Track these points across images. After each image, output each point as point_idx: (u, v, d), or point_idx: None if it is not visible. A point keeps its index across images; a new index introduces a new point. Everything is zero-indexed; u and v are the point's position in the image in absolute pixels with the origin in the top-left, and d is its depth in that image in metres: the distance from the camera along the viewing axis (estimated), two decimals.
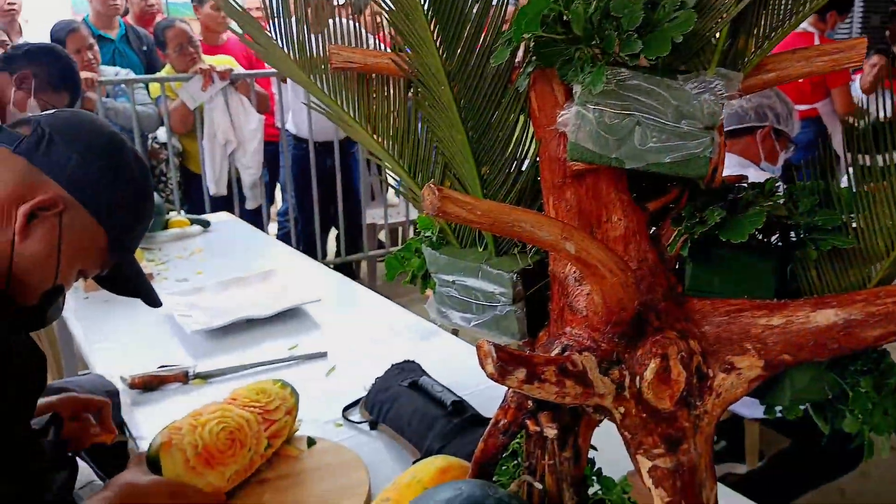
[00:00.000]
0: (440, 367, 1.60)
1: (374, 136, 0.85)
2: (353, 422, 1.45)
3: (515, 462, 1.03)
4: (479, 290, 0.82)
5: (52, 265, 0.97)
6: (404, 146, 0.85)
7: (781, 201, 0.74)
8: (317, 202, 4.19)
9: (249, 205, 4.02)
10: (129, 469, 1.09)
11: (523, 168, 0.81)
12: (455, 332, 2.19)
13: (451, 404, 1.31)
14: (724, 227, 0.69)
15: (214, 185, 3.81)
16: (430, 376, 1.46)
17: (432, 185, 0.58)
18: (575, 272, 0.75)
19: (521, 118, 0.78)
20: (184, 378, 1.60)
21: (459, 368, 1.64)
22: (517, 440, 0.95)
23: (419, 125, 0.85)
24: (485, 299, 0.82)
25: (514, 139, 0.79)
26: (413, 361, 1.56)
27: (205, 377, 1.62)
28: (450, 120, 0.77)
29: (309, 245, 4.21)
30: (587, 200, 0.75)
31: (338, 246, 4.58)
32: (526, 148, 0.80)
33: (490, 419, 1.32)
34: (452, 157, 0.81)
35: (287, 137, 4.14)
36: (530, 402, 0.82)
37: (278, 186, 4.68)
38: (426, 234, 0.90)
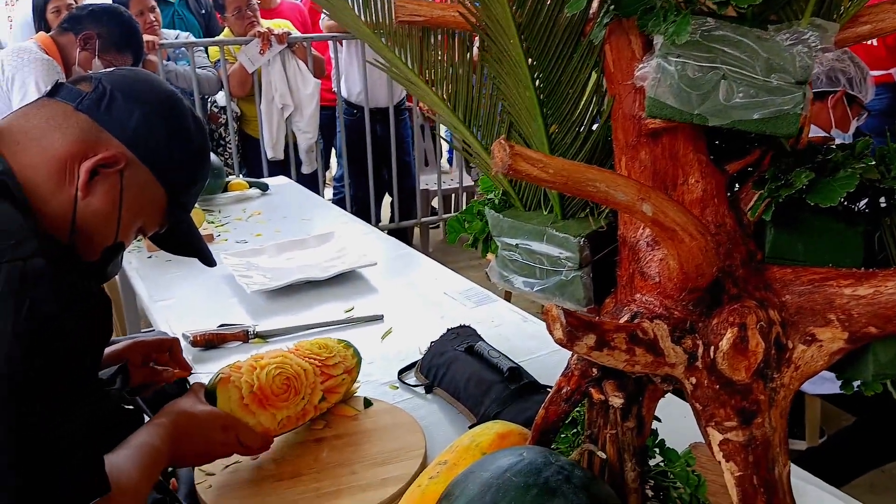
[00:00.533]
0: (494, 333, 1.59)
1: (438, 94, 0.83)
2: (409, 385, 1.45)
3: (575, 430, 1.02)
4: (544, 254, 0.80)
5: (113, 222, 0.98)
6: (468, 104, 0.82)
7: (873, 163, 0.69)
8: (371, 168, 4.20)
9: (305, 169, 4.05)
10: (187, 397, 1.11)
11: (593, 128, 0.77)
12: (508, 298, 2.16)
13: (507, 370, 1.30)
14: (811, 191, 0.65)
15: (272, 149, 3.84)
16: (485, 342, 1.45)
17: (503, 142, 0.55)
18: (647, 236, 0.72)
19: (594, 74, 0.74)
20: (244, 337, 1.62)
21: (514, 335, 1.63)
22: (578, 409, 0.93)
23: (485, 82, 0.82)
24: (549, 264, 0.80)
25: (586, 96, 0.75)
26: (469, 326, 1.55)
27: (264, 337, 1.64)
28: (518, 76, 0.74)
29: (363, 211, 4.23)
30: (662, 161, 0.71)
31: (391, 212, 4.59)
32: (597, 106, 0.76)
33: (546, 387, 1.31)
34: (519, 115, 0.78)
35: (342, 104, 4.14)
36: (595, 370, 0.80)
37: (333, 152, 4.71)
38: (489, 197, 0.87)
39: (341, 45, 4.00)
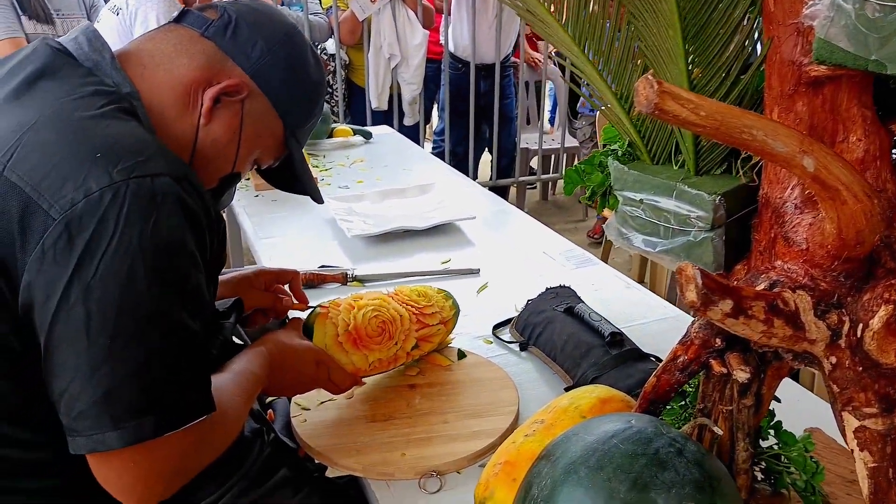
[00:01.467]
0: (595, 297, 1.54)
1: (568, 33, 0.77)
2: (503, 340, 1.43)
3: (683, 403, 0.96)
4: (672, 212, 0.74)
5: (232, 150, 0.98)
6: (600, 45, 0.76)
7: None
8: (472, 124, 4.15)
9: (407, 121, 4.04)
10: (285, 330, 1.13)
11: (741, 76, 0.70)
12: (604, 260, 2.08)
13: (609, 335, 1.25)
14: None
15: (376, 98, 3.85)
16: (586, 304, 1.40)
17: (651, 77, 0.50)
18: (796, 198, 0.65)
19: (750, 14, 0.67)
20: (342, 279, 1.63)
21: (615, 300, 1.57)
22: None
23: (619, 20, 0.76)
24: (677, 223, 0.74)
25: (738, 38, 0.68)
26: (568, 287, 1.50)
27: (362, 280, 1.65)
28: (661, 12, 0.67)
29: (460, 166, 4.20)
30: (822, 114, 0.64)
31: (490, 170, 4.54)
32: (749, 49, 0.69)
33: (650, 356, 1.25)
34: (657, 58, 0.72)
35: (447, 58, 4.09)
36: (718, 341, 0.74)
37: (435, 106, 4.68)
38: (612, 148, 0.82)
39: None
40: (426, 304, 1.27)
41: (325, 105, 2.88)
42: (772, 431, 0.91)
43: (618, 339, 1.25)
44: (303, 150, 1.10)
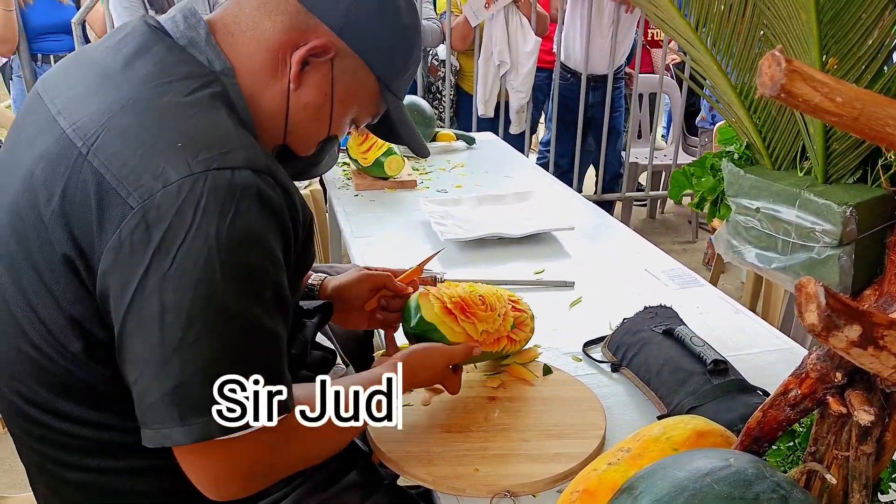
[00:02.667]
0: (699, 321, 1.42)
1: (684, 18, 0.69)
2: (594, 359, 1.34)
3: (791, 444, 0.85)
4: (793, 223, 0.65)
5: (326, 113, 0.94)
6: (720, 31, 0.68)
7: None
8: (579, 136, 4.05)
9: (513, 129, 3.98)
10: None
11: (886, 67, 0.61)
12: (713, 283, 1.93)
13: (712, 362, 1.14)
14: None
15: (483, 105, 3.82)
16: (687, 327, 1.29)
17: (778, 53, 0.42)
18: None
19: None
20: (432, 282, 1.59)
21: (721, 326, 1.45)
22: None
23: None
24: (798, 236, 0.65)
25: (882, 24, 0.58)
26: (670, 308, 1.39)
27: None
28: None
29: (565, 178, 4.10)
30: None
31: (595, 183, 4.41)
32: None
33: (757, 389, 1.14)
34: (786, 44, 0.63)
35: (559, 67, 4.00)
36: (839, 375, 0.64)
37: (543, 117, 4.60)
38: (728, 150, 0.73)
39: (566, 2, 3.86)
40: (510, 296, 1.25)
41: (431, 109, 2.88)
42: (894, 485, 0.79)
43: (721, 367, 1.14)
44: (402, 104, 1.04)
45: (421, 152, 1.10)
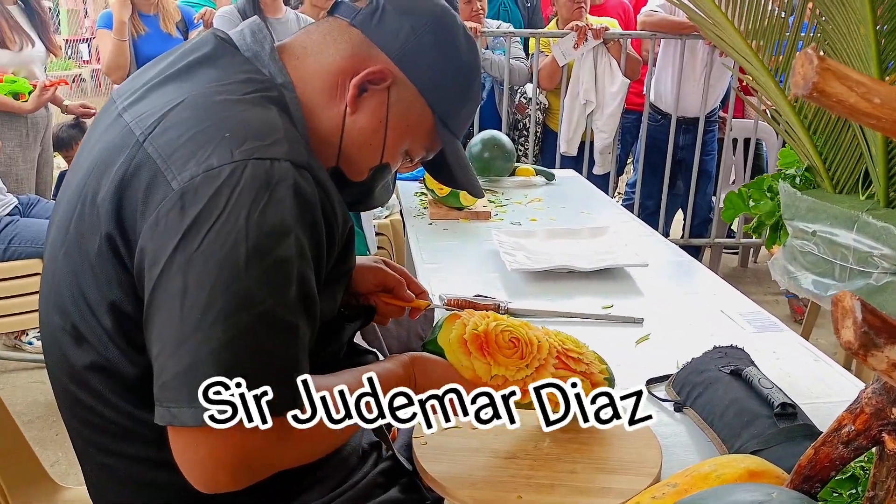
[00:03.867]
0: (772, 365, 1.35)
1: (739, 33, 0.67)
2: (657, 397, 1.29)
3: (853, 491, 0.79)
4: (851, 248, 0.61)
5: (380, 140, 0.96)
6: (779, 48, 0.66)
7: None
8: (667, 179, 3.97)
9: (597, 170, 3.95)
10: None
11: None
12: (807, 336, 1.83)
13: (780, 405, 1.08)
14: None
15: (566, 143, 3.81)
16: (758, 368, 1.23)
17: (811, 51, 0.40)
18: None
19: None
20: (495, 309, 1.58)
21: (797, 372, 1.37)
22: (862, 461, 0.72)
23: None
24: (856, 262, 0.61)
25: None
26: (741, 349, 1.33)
27: (514, 314, 1.58)
28: (853, 6, 0.56)
29: (651, 220, 4.01)
30: None
31: (682, 228, 4.30)
32: None
33: None
34: (847, 61, 0.60)
35: (647, 108, 3.96)
36: (895, 411, 0.59)
37: (630, 159, 4.53)
38: (787, 172, 0.69)
39: (658, 44, 3.83)
40: (574, 349, 1.13)
41: (511, 144, 2.89)
42: None
43: (790, 411, 1.08)
44: (459, 143, 1.05)
45: (476, 194, 1.11)
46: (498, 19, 3.97)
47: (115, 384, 0.87)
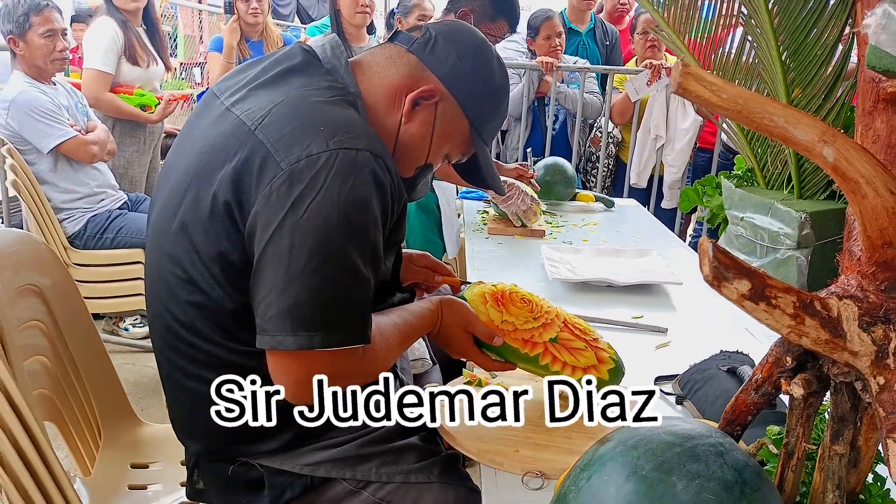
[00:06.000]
0: None
1: (691, 55, 0.83)
2: (662, 391, 1.42)
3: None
4: (766, 229, 0.76)
5: (426, 145, 1.19)
6: (725, 64, 0.81)
7: None
8: None
9: (666, 204, 4.03)
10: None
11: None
12: None
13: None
14: None
15: (636, 175, 3.93)
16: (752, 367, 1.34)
17: (680, 60, 0.57)
18: None
19: (842, 35, 0.68)
20: None
21: None
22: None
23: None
24: (769, 241, 0.76)
25: (835, 61, 0.69)
26: (746, 354, 1.44)
27: None
28: (764, 31, 0.71)
29: None
30: None
31: None
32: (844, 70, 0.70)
33: None
34: (770, 80, 0.75)
35: (720, 147, 4.02)
36: (788, 359, 0.73)
37: None
38: (734, 173, 0.85)
39: None
40: (582, 326, 1.32)
41: (573, 170, 3.05)
42: (880, 500, 0.83)
43: (773, 402, 1.19)
44: (486, 149, 1.27)
45: (499, 191, 1.35)
46: (576, 55, 4.15)
47: (212, 318, 1.10)
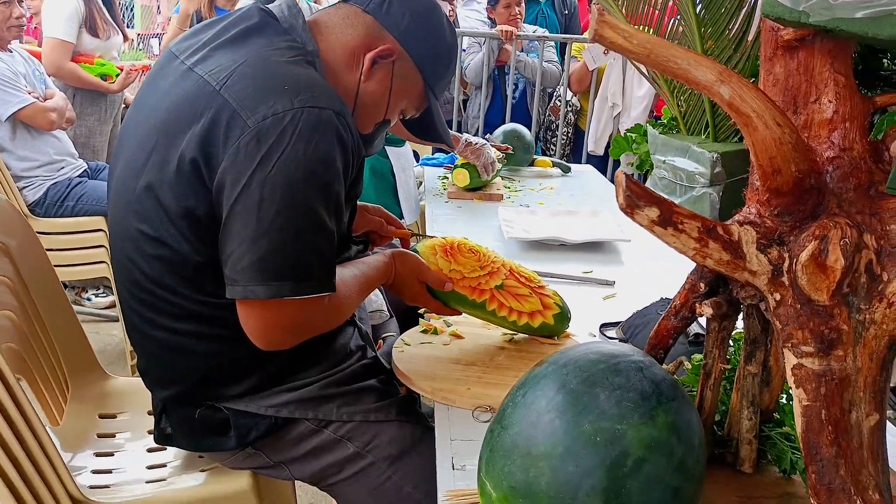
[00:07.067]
0: None
1: (620, 11, 0.90)
2: (607, 336, 1.51)
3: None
4: (684, 170, 0.83)
5: (384, 102, 1.25)
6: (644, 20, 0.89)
7: None
8: None
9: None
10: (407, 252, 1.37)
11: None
12: None
13: (693, 335, 1.29)
14: None
15: (594, 143, 4.02)
16: None
17: (595, 7, 0.64)
18: None
19: None
20: None
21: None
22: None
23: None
24: (687, 180, 0.83)
25: (743, 12, 0.77)
26: None
27: None
28: (692, 30, 0.79)
29: None
30: (796, 76, 0.71)
31: None
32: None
33: None
34: (687, 33, 0.83)
35: None
36: (701, 285, 0.82)
37: None
38: (659, 121, 0.92)
39: None
40: (527, 274, 1.41)
41: (531, 136, 3.12)
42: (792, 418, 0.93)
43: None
44: (437, 104, 1.34)
45: (449, 145, 1.44)
46: (535, 24, 4.21)
47: (178, 272, 1.14)
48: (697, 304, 0.82)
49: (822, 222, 0.66)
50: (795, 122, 0.72)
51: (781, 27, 0.71)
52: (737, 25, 0.78)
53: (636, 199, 0.67)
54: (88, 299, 3.61)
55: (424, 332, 1.45)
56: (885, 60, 0.73)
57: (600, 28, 0.64)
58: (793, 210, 0.68)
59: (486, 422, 1.18)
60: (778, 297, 0.70)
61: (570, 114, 4.21)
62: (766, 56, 0.74)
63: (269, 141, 1.03)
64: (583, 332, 1.52)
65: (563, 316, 1.42)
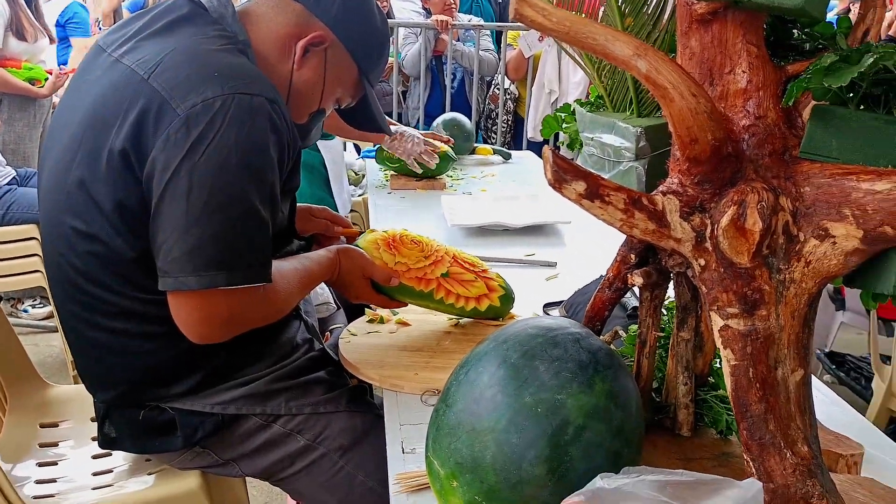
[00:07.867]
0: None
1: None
2: (549, 315, 1.54)
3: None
4: (611, 145, 0.86)
5: (318, 91, 1.24)
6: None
7: None
8: None
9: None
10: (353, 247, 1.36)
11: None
12: None
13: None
14: (829, 73, 0.63)
15: (533, 129, 4.06)
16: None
17: None
18: None
19: None
20: None
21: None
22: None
23: None
24: (614, 155, 0.85)
25: None
26: None
27: None
28: (615, 17, 0.81)
29: None
30: (711, 49, 0.74)
31: None
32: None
33: None
34: (609, 11, 0.85)
35: None
36: (632, 256, 0.84)
37: None
38: (585, 100, 0.95)
39: None
40: (470, 260, 1.42)
41: (471, 125, 3.14)
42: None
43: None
44: (373, 91, 1.34)
45: (387, 132, 1.42)
46: (470, 14, 4.23)
47: (112, 268, 1.11)
48: (629, 275, 0.84)
49: (740, 188, 0.69)
50: (712, 93, 0.74)
51: (695, 1, 0.73)
52: (653, 2, 0.80)
53: (563, 173, 0.69)
54: (25, 310, 3.49)
55: (371, 321, 1.45)
56: (794, 30, 0.76)
57: (520, 7, 0.65)
58: (712, 178, 0.71)
59: (433, 405, 1.19)
60: (702, 262, 0.73)
61: (510, 101, 4.25)
62: (682, 31, 0.76)
63: (199, 127, 1.01)
64: (527, 312, 1.55)
65: (508, 297, 1.44)
